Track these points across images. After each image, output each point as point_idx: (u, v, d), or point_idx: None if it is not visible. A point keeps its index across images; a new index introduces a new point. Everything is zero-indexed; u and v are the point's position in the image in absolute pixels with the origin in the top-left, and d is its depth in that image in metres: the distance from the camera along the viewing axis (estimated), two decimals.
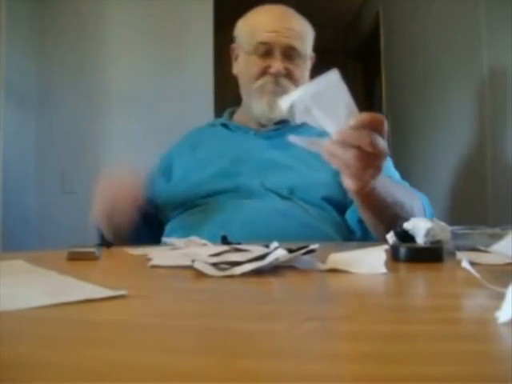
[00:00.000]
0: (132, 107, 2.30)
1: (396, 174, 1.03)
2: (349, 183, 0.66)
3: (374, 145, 0.60)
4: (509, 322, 0.25)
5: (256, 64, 1.05)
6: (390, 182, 0.76)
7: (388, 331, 0.26)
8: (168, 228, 1.03)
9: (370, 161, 0.62)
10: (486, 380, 0.19)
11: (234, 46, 1.14)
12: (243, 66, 1.10)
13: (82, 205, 2.25)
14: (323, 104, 0.61)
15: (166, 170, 1.12)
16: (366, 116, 0.61)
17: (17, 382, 0.19)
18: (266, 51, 1.04)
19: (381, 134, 0.61)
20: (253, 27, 1.07)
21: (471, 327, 0.27)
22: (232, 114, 1.20)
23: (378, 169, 0.64)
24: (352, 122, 0.60)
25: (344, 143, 0.61)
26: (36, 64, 2.27)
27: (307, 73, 1.10)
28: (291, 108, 0.64)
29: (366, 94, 4.05)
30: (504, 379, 0.19)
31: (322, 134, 0.64)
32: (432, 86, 2.36)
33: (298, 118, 0.64)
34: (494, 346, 0.24)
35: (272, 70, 1.03)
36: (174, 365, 0.21)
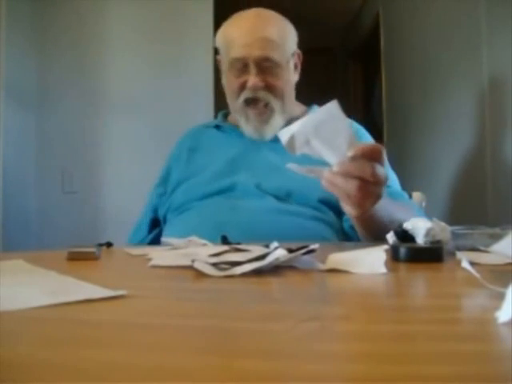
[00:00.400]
0: (132, 107, 2.30)
1: (395, 183, 1.01)
2: (349, 210, 0.67)
3: (375, 175, 0.61)
4: (509, 321, 0.25)
5: (234, 81, 1.04)
6: (388, 201, 0.77)
7: (388, 331, 0.26)
8: (165, 230, 1.03)
9: (370, 190, 0.63)
10: (486, 380, 0.19)
11: (218, 58, 1.12)
12: (225, 82, 1.09)
13: (81, 205, 2.27)
14: (323, 135, 0.62)
15: (165, 180, 1.12)
16: (365, 147, 0.62)
17: (17, 382, 0.19)
18: (241, 66, 1.02)
19: (380, 163, 0.63)
20: (227, 43, 1.05)
21: (471, 327, 0.27)
22: (226, 115, 1.20)
23: (378, 196, 0.66)
24: (351, 152, 0.61)
25: (345, 174, 0.62)
26: (36, 63, 2.27)
27: (290, 77, 1.07)
28: (291, 140, 0.64)
29: (366, 93, 4.05)
30: (504, 379, 0.19)
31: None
32: (432, 85, 2.36)
33: (299, 150, 0.64)
34: (494, 345, 0.24)
35: (248, 85, 1.01)
36: (174, 365, 0.21)
